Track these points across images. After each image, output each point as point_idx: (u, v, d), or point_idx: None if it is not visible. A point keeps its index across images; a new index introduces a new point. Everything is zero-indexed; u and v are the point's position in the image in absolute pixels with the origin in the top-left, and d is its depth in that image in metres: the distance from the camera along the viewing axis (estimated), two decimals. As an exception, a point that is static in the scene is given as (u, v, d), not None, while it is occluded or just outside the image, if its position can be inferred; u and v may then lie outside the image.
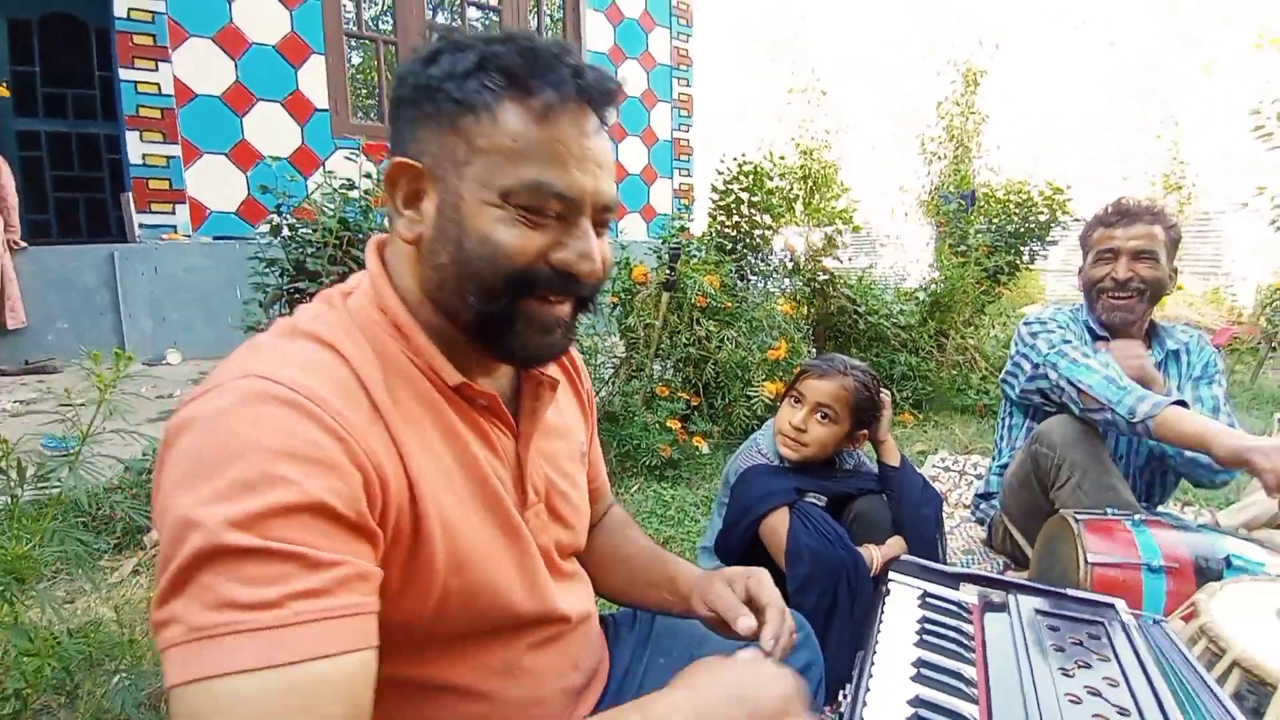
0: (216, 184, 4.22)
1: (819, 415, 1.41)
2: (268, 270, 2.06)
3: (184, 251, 4.09)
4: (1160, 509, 1.79)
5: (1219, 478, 1.65)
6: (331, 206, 2.07)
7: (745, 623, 0.76)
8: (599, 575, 0.95)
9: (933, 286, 3.43)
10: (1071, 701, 0.74)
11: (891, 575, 1.03)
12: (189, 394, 0.55)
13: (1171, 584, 1.23)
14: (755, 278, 3.11)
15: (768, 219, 2.97)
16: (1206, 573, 1.23)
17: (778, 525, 1.25)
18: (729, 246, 3.02)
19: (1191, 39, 10.38)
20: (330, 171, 2.15)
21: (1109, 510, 1.43)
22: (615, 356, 2.77)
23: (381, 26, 6.31)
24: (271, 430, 0.51)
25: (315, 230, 1.98)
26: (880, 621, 0.90)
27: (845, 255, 3.27)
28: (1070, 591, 0.97)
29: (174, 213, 4.12)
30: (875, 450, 1.49)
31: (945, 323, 3.46)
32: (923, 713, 0.73)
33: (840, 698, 0.78)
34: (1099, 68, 11.50)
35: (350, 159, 2.17)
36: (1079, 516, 1.38)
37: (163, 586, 0.47)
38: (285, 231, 2.10)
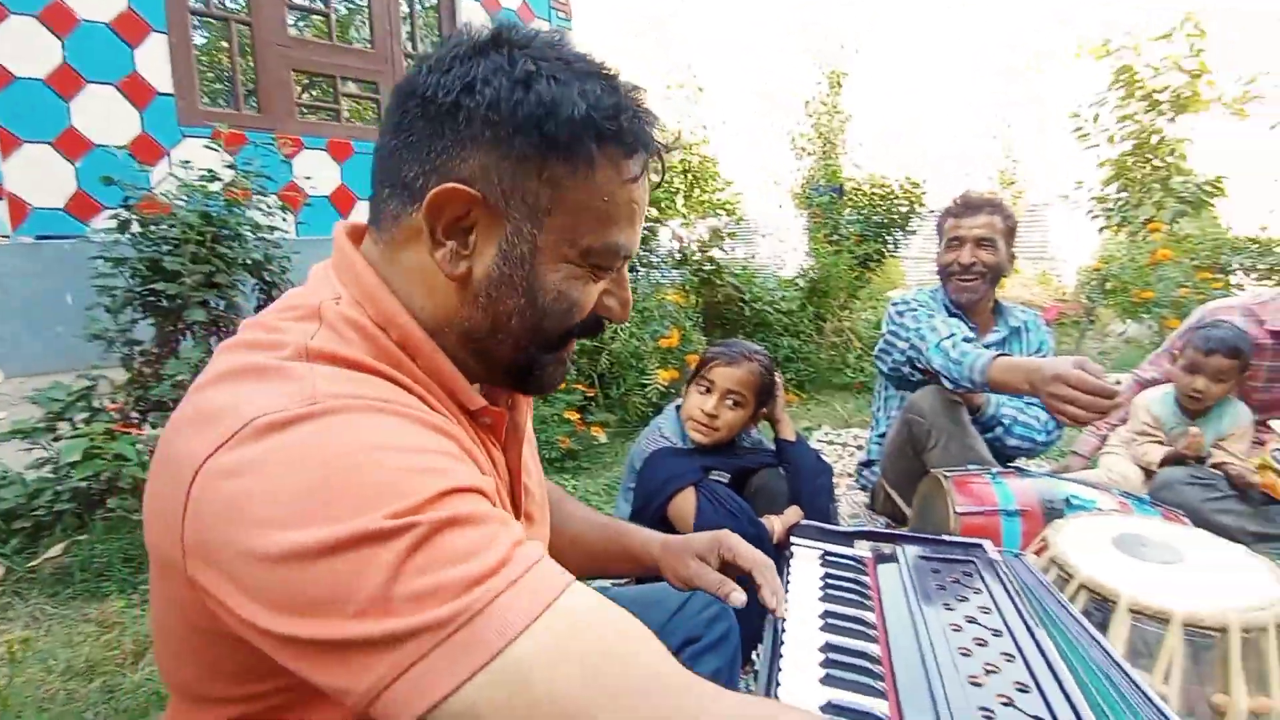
0: (40, 177, 3.71)
1: (729, 401, 1.47)
2: (115, 271, 1.85)
3: (2, 254, 3.58)
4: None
5: (1039, 447, 1.95)
6: (186, 199, 1.89)
7: (737, 597, 0.84)
8: (553, 552, 0.96)
9: (810, 274, 3.65)
10: (954, 630, 0.83)
11: (793, 540, 1.10)
12: (206, 435, 0.46)
13: (1025, 525, 1.40)
14: (644, 269, 3.17)
15: (654, 211, 3.04)
16: (1051, 512, 1.40)
17: (685, 505, 1.30)
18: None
19: (1018, 46, 11.64)
20: (187, 162, 1.95)
21: (970, 466, 1.60)
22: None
23: (230, 4, 5.80)
24: (391, 437, 0.47)
25: (174, 225, 1.80)
26: (787, 582, 0.97)
27: (729, 246, 3.41)
28: (945, 538, 1.07)
29: (-12, 210, 3.60)
30: (773, 427, 1.57)
31: (823, 307, 3.70)
32: (833, 656, 0.79)
33: (753, 657, 0.84)
34: (948, 74, 12.63)
35: (210, 148, 1.99)
36: (947, 474, 1.53)
37: (346, 609, 0.41)
38: (135, 228, 1.89)
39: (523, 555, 0.46)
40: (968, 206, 1.95)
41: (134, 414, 1.87)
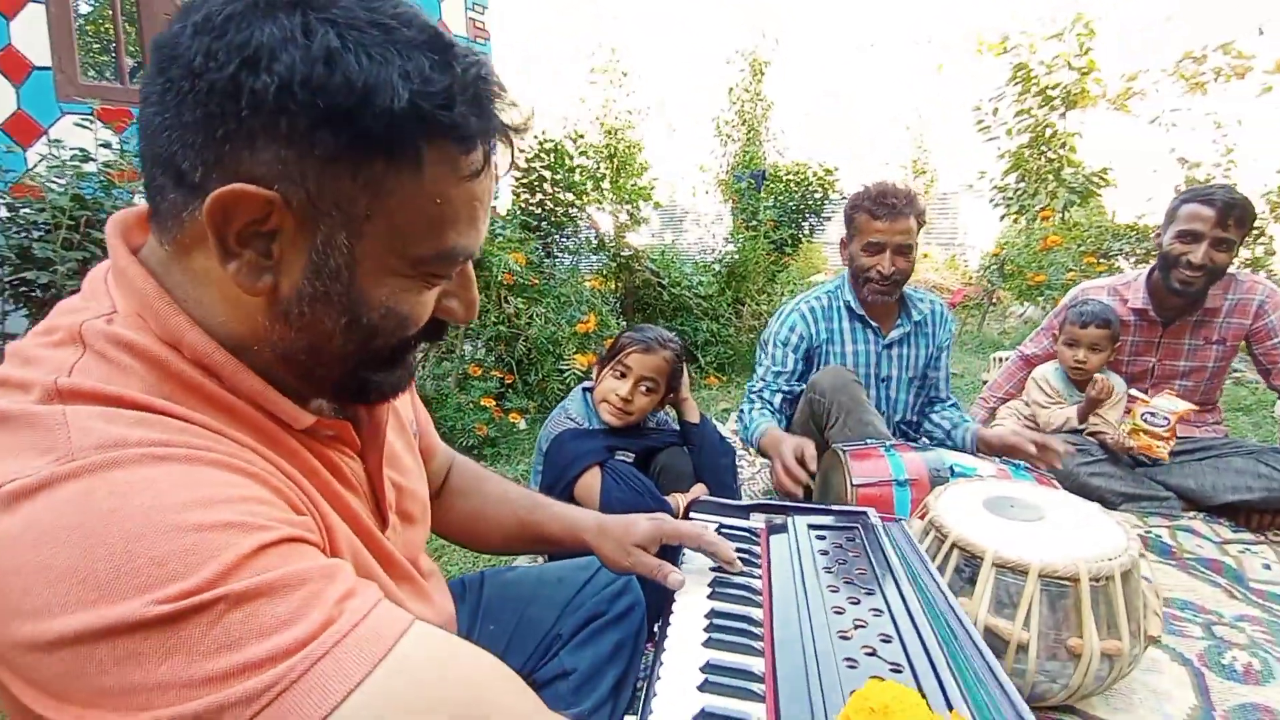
0: (-105, 156, 3.36)
1: (643, 387, 1.51)
2: (-21, 258, 1.71)
3: None
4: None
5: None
6: (62, 181, 1.76)
7: (675, 579, 0.87)
8: (474, 541, 0.96)
9: (727, 258, 3.72)
10: (832, 591, 0.89)
11: (692, 514, 1.14)
12: None
13: (914, 492, 1.49)
14: (562, 255, 3.16)
15: (571, 196, 3.03)
16: (937, 480, 1.50)
17: (591, 483, 1.32)
18: (534, 224, 3.04)
19: (928, 39, 12.14)
20: (58, 140, 1.81)
21: (868, 441, 1.69)
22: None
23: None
24: (177, 492, 0.40)
25: (43, 210, 1.67)
26: (682, 554, 1.00)
27: (649, 231, 3.44)
28: (833, 508, 1.14)
29: None
30: (677, 409, 1.61)
31: (741, 291, 3.78)
32: (717, 621, 0.83)
33: (655, 629, 0.87)
34: (864, 65, 13.04)
35: (84, 125, 1.85)
36: (845, 448, 1.61)
37: (141, 700, 0.36)
38: (3, 213, 1.75)
39: (351, 608, 0.41)
40: (889, 209, 1.86)
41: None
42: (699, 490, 1.46)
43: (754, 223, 4.23)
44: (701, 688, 0.71)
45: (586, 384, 1.59)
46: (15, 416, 0.41)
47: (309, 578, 0.41)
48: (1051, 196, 6.02)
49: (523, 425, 2.53)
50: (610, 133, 3.89)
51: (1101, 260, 4.84)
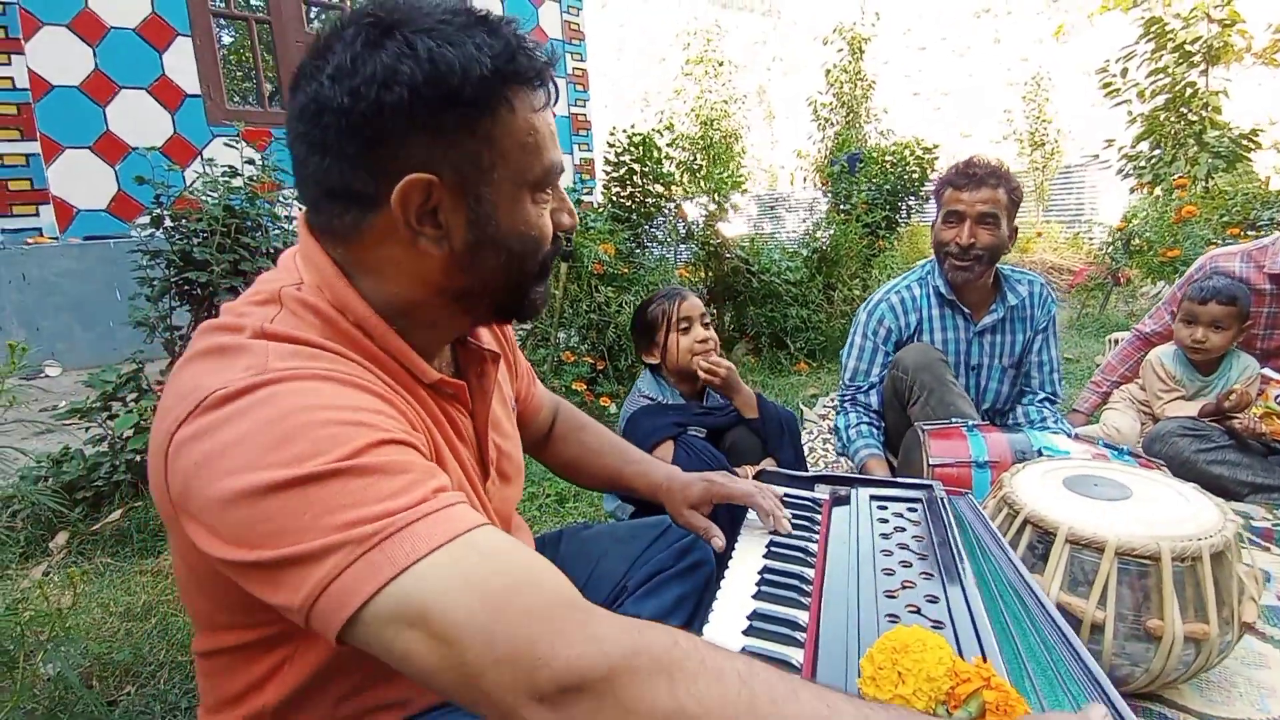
0: (83, 180, 3.95)
1: (705, 321, 1.66)
2: (152, 263, 2.01)
3: (53, 255, 3.83)
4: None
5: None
6: (215, 194, 2.04)
7: (717, 542, 0.98)
8: (575, 478, 1.14)
9: (816, 243, 3.68)
10: (885, 554, 0.92)
11: (759, 482, 1.19)
12: (176, 410, 0.54)
13: (995, 475, 1.46)
14: (652, 245, 3.25)
15: (659, 188, 3.11)
16: (1023, 462, 1.46)
17: (664, 455, 1.40)
18: (624, 216, 3.14)
19: (1049, 3, 11.21)
20: (210, 159, 2.10)
21: (953, 420, 1.66)
22: (520, 328, 2.85)
23: (253, 3, 5.97)
24: (331, 399, 0.54)
25: (200, 219, 1.95)
26: (745, 518, 1.07)
27: (746, 219, 3.46)
28: (898, 479, 1.16)
29: (38, 214, 3.85)
30: (735, 405, 1.66)
31: (833, 277, 3.72)
32: (768, 577, 0.89)
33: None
34: (975, 36, 12.24)
35: (231, 145, 2.13)
36: (925, 427, 1.60)
37: (288, 538, 0.48)
38: (167, 223, 2.05)
39: (443, 498, 0.53)
40: (969, 178, 1.80)
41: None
42: (767, 464, 1.51)
43: (847, 206, 4.14)
44: (746, 632, 0.78)
45: (650, 362, 1.67)
46: (233, 347, 0.57)
47: (412, 468, 0.54)
48: (1192, 163, 5.46)
49: (613, 409, 2.65)
50: (706, 123, 3.93)
51: (1249, 232, 4.34)
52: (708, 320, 1.66)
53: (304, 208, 0.67)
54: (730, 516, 1.08)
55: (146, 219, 2.06)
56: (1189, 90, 5.65)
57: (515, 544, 0.54)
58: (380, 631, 0.48)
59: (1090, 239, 7.82)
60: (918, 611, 0.79)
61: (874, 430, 1.90)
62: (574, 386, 2.50)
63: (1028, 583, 0.84)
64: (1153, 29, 5.72)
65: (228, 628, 0.65)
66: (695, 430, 1.48)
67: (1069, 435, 1.71)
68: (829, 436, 2.52)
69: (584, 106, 6.46)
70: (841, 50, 9.93)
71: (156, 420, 0.57)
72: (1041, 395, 2.00)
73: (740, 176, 3.41)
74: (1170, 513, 1.13)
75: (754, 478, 1.23)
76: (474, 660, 0.47)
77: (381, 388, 0.61)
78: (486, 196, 0.62)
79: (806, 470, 1.41)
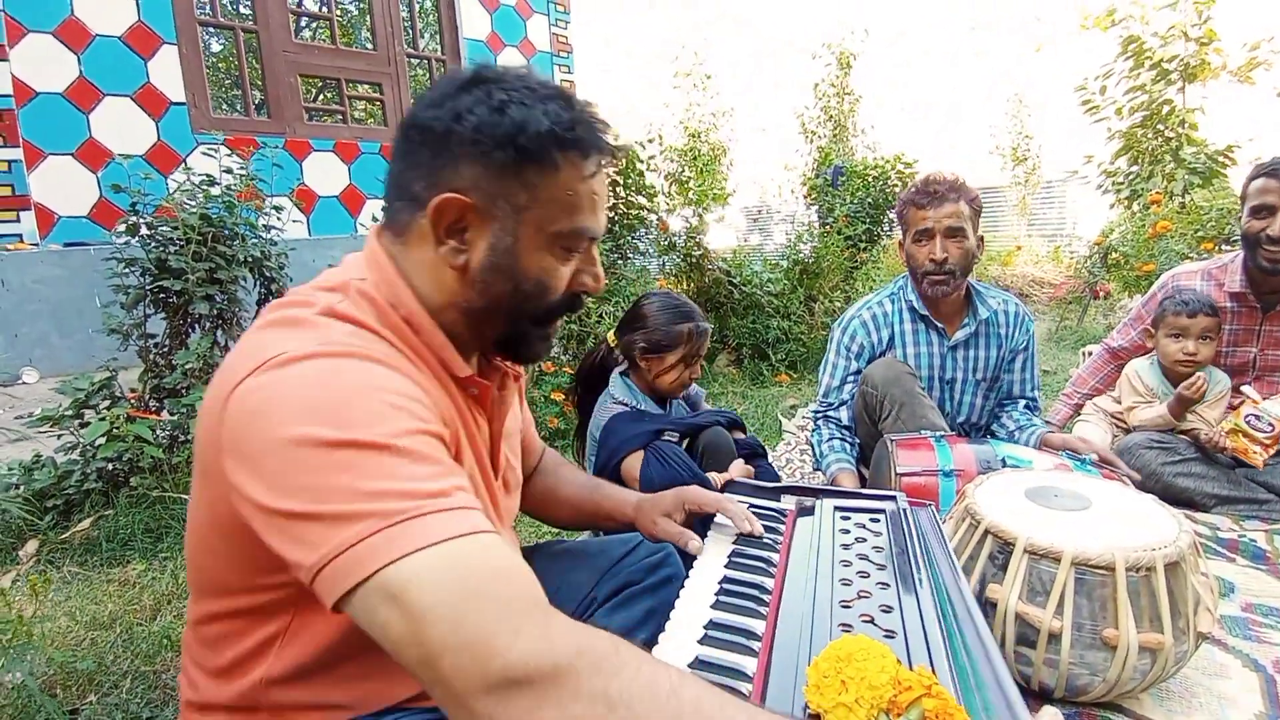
0: (64, 187, 3.93)
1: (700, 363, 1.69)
2: (128, 270, 2.01)
3: (32, 261, 3.79)
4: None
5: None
6: (193, 203, 2.04)
7: (694, 545, 1.00)
8: (545, 512, 1.16)
9: (798, 255, 3.71)
10: (844, 565, 0.93)
11: (726, 494, 1.21)
12: (242, 366, 0.59)
13: (960, 484, 1.48)
14: (634, 256, 3.27)
15: (642, 199, 3.13)
16: (987, 472, 1.48)
17: (633, 465, 1.42)
18: (607, 227, 3.15)
19: (1032, 20, 11.41)
20: (189, 168, 2.10)
21: (921, 431, 1.69)
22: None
23: (242, 10, 5.98)
24: (383, 380, 0.61)
25: (177, 228, 1.95)
26: (709, 529, 1.08)
27: (733, 233, 3.48)
28: (862, 490, 1.17)
29: (18, 220, 3.82)
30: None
31: (815, 289, 3.75)
32: (727, 587, 0.90)
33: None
34: (958, 52, 12.43)
35: (209, 154, 2.13)
36: (894, 438, 1.62)
37: (323, 495, 0.53)
38: (144, 231, 2.05)
39: (461, 497, 0.58)
40: (931, 195, 1.85)
41: (151, 401, 2.04)
42: (738, 469, 1.52)
43: (829, 220, 4.18)
44: (701, 641, 0.79)
45: (619, 368, 1.68)
46: (303, 320, 0.65)
47: (440, 460, 0.60)
48: (1169, 179, 5.56)
49: (592, 419, 2.66)
50: (694, 136, 3.96)
51: (1223, 247, 4.42)
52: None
53: (378, 219, 0.78)
54: (702, 530, 1.09)
55: (123, 226, 2.05)
56: (1166, 107, 5.76)
57: (511, 550, 0.58)
58: (369, 601, 0.52)
59: (1071, 253, 7.93)
60: (871, 621, 0.80)
61: (845, 445, 1.94)
62: (553, 396, 2.51)
63: (960, 588, 0.86)
64: (1130, 47, 5.84)
65: (232, 591, 0.68)
66: (670, 435, 1.50)
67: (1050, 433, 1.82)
68: (806, 448, 2.54)
69: (571, 117, 6.48)
70: (829, 65, 10.04)
71: (218, 376, 0.63)
72: (1026, 400, 2.06)
73: (723, 190, 3.44)
74: (1127, 523, 1.15)
75: (721, 488, 1.25)
76: (437, 639, 0.50)
77: (423, 379, 0.69)
78: (511, 230, 0.71)
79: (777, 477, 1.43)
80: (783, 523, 1.10)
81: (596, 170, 0.73)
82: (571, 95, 0.73)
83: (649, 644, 1.06)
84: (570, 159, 0.71)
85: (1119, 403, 2.32)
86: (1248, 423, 1.96)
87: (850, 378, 1.98)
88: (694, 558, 0.99)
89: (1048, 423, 2.50)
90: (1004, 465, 1.50)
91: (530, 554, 1.11)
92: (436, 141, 0.70)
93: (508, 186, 0.70)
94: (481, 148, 0.68)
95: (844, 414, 1.98)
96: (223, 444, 0.59)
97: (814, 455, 2.00)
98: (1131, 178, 6.00)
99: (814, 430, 2.03)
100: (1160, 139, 5.86)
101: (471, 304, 0.73)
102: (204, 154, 2.10)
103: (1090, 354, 2.65)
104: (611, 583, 1.08)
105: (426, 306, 0.72)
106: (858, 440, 1.96)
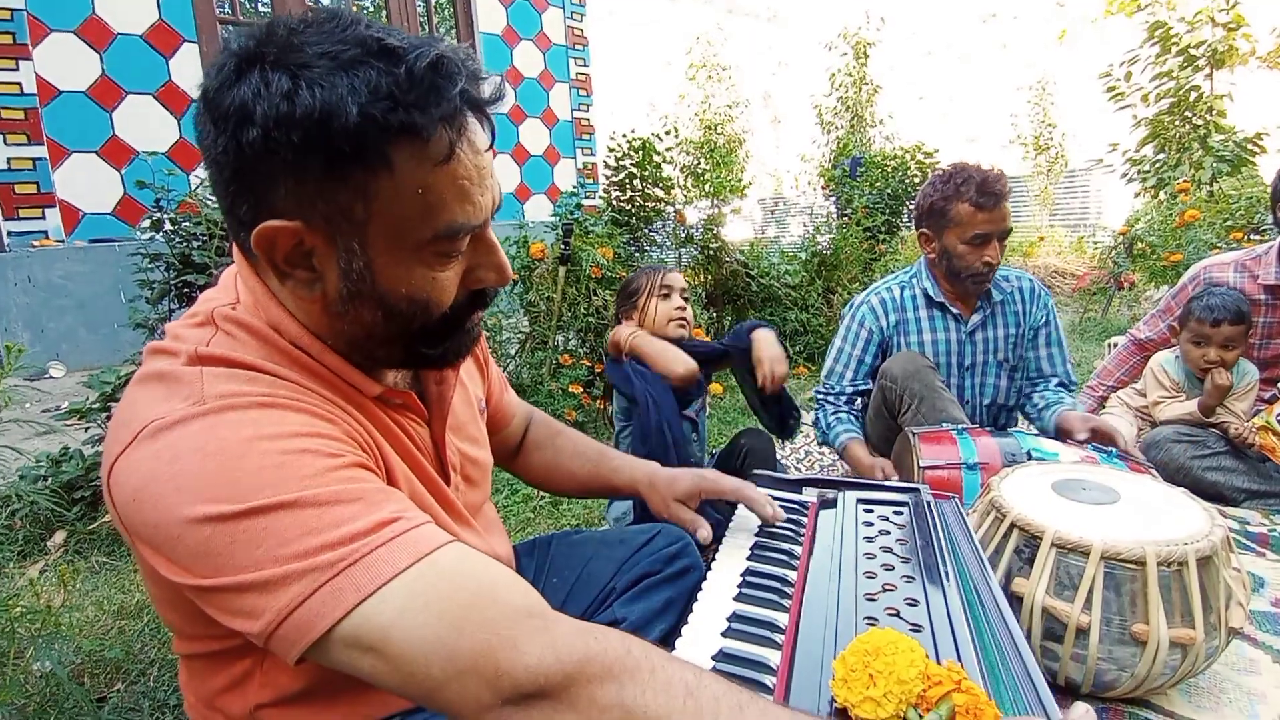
0: (89, 184, 3.99)
1: (688, 295, 1.79)
2: (152, 266, 2.03)
3: (59, 257, 3.86)
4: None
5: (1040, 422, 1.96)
6: (214, 198, 2.06)
7: (704, 534, 0.98)
8: (549, 486, 1.11)
9: (815, 247, 3.68)
10: (868, 558, 0.92)
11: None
12: (117, 438, 0.53)
13: (984, 477, 1.46)
14: (652, 248, 3.26)
15: (659, 192, 3.12)
16: (1013, 464, 1.46)
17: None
18: (624, 219, 3.15)
19: (1055, 6, 11.20)
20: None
21: (943, 424, 1.66)
22: (520, 332, 2.86)
23: (261, 9, 6.03)
24: (273, 427, 0.52)
25: (200, 223, 1.97)
26: (730, 522, 1.07)
27: (752, 225, 3.47)
28: (885, 483, 1.16)
29: (44, 217, 3.89)
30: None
31: (833, 281, 3.72)
32: (749, 579, 0.89)
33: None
34: (981, 40, 12.24)
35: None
36: (915, 431, 1.60)
37: (243, 567, 0.48)
38: (168, 226, 2.07)
39: (403, 522, 0.52)
40: (992, 196, 1.73)
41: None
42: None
43: (848, 211, 4.14)
44: (725, 633, 0.78)
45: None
46: (168, 374, 0.56)
47: (366, 493, 0.53)
48: (1196, 167, 5.43)
49: (610, 409, 2.66)
50: (709, 128, 3.94)
51: (1252, 236, 4.32)
52: (688, 295, 1.76)
53: None
54: (717, 519, 1.08)
55: (148, 222, 2.08)
56: (1193, 94, 5.63)
57: (476, 558, 0.55)
58: (342, 654, 0.49)
59: (1095, 243, 7.80)
60: (897, 614, 0.79)
61: (851, 417, 1.97)
62: (571, 389, 2.51)
63: (987, 582, 0.84)
64: (1157, 33, 5.71)
65: (201, 638, 0.65)
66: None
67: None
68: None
69: (587, 111, 6.47)
70: (846, 55, 9.92)
71: (104, 445, 0.56)
72: (1056, 380, 1.99)
73: (740, 181, 3.41)
74: (1157, 517, 1.12)
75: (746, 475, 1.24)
76: (438, 674, 0.48)
77: (324, 407, 0.59)
78: (357, 251, 0.56)
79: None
80: (805, 515, 1.09)
81: (451, 150, 0.54)
82: (394, 46, 0.53)
83: (669, 633, 1.06)
84: (406, 148, 0.53)
85: (1144, 396, 2.28)
86: (1279, 420, 1.92)
87: (853, 364, 1.99)
88: (708, 547, 0.98)
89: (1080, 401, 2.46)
90: (1029, 458, 1.47)
91: (546, 544, 1.11)
92: (235, 153, 0.52)
93: (335, 198, 0.54)
94: (286, 155, 0.51)
95: (849, 399, 2.01)
96: (124, 525, 0.54)
97: (819, 432, 2.03)
98: (1158, 166, 5.87)
99: (818, 408, 2.07)
100: (1188, 126, 5.73)
101: (345, 334, 0.62)
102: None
103: (1115, 346, 2.60)
104: (630, 573, 1.07)
105: (309, 329, 0.61)
106: (868, 433, 1.96)
